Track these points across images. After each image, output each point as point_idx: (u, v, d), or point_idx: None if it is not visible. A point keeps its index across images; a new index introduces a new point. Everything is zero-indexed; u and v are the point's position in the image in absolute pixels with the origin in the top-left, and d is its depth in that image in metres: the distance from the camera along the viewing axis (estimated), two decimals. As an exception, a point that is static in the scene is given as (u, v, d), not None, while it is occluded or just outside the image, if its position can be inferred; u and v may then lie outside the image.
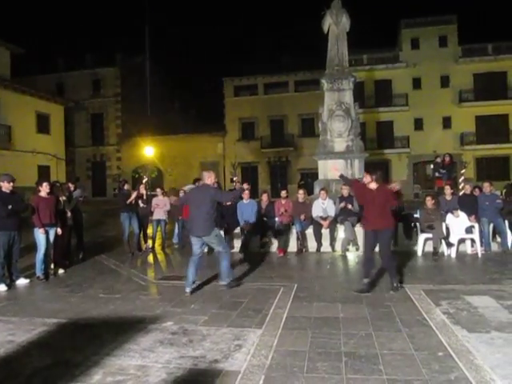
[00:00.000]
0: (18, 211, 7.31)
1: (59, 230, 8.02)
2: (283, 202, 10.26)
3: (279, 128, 34.99)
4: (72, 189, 9.56)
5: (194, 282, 6.55)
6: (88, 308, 5.80)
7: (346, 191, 10.13)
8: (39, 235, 7.62)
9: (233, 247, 10.24)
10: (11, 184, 7.25)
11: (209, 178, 6.75)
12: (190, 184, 12.07)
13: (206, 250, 9.91)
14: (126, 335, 4.65)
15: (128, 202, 10.14)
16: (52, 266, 8.26)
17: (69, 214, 8.76)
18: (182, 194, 11.06)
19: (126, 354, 4.17)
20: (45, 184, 7.88)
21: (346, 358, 3.96)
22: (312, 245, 9.98)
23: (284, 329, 4.77)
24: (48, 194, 7.87)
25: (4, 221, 7.06)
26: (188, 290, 6.41)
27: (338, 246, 9.83)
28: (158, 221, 10.99)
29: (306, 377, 3.62)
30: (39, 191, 7.83)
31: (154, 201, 10.98)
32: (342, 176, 7.94)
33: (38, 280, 7.55)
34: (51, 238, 7.87)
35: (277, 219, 10.15)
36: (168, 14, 69.03)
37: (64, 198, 8.70)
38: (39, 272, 7.64)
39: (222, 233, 10.32)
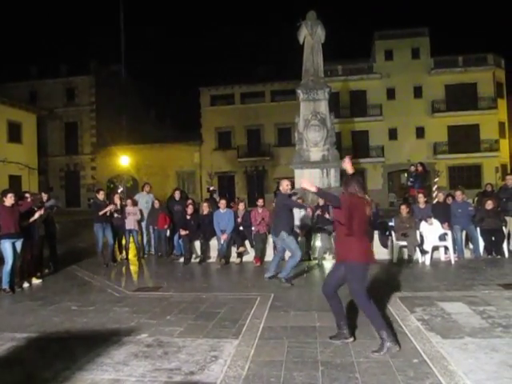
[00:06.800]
0: None
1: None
2: (260, 211, 10.24)
3: (256, 137, 35.11)
4: (45, 199, 9.34)
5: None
6: (60, 321, 5.65)
7: (322, 200, 10.16)
8: (6, 247, 7.42)
9: (209, 257, 10.18)
10: None
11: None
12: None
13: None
14: (99, 349, 4.54)
15: (101, 213, 9.96)
16: (20, 278, 7.96)
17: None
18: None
19: (98, 368, 4.06)
20: (9, 195, 7.68)
21: (323, 366, 3.95)
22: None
23: (261, 339, 4.74)
24: (13, 205, 7.65)
25: None
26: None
27: (315, 254, 9.86)
28: (130, 231, 10.86)
29: (283, 387, 3.59)
30: (3, 201, 7.64)
31: (126, 210, 10.83)
32: (319, 192, 4.95)
33: (4, 293, 7.32)
34: (18, 249, 7.65)
35: (253, 228, 10.13)
36: (145, 23, 68.83)
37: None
38: (5, 285, 7.42)
39: (198, 243, 10.28)
